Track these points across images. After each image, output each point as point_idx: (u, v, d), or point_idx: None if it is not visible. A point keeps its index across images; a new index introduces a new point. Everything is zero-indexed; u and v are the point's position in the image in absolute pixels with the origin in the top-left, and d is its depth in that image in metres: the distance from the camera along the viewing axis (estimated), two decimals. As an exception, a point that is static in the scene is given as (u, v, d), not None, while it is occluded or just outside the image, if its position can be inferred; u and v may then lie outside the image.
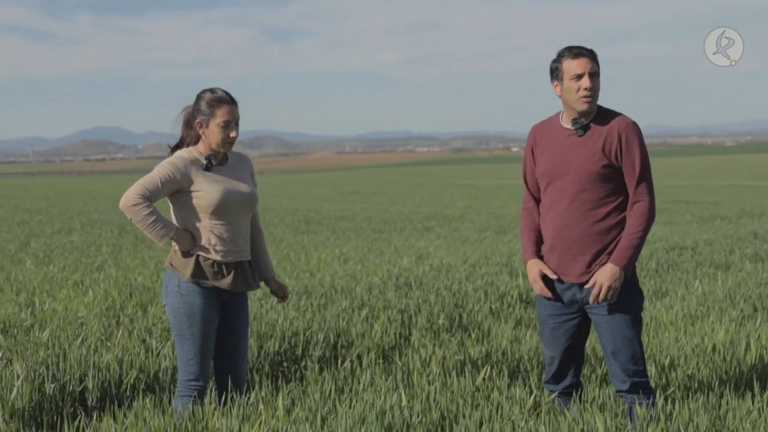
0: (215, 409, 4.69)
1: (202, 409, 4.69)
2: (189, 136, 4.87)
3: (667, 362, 6.14)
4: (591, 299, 4.57)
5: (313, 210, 31.93)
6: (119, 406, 5.41)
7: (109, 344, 6.45)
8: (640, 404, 4.59)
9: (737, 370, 6.01)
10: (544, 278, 4.74)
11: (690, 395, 5.16)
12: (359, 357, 6.70)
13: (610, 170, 4.58)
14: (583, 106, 4.59)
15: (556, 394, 4.90)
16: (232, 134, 4.80)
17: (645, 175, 4.60)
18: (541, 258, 4.79)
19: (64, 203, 38.19)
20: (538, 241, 4.84)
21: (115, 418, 4.95)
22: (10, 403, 5.16)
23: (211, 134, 4.78)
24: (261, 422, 4.40)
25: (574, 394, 4.89)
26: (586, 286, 4.61)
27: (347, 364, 6.27)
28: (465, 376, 5.59)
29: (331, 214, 29.10)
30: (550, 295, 4.70)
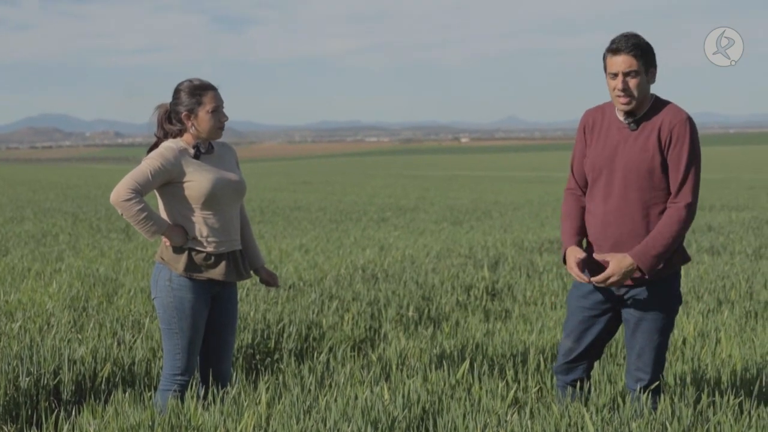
0: (197, 403, 4.62)
1: (183, 404, 4.62)
2: (170, 132, 4.76)
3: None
4: (596, 279, 4.35)
5: (267, 200, 31.74)
6: (95, 400, 5.33)
7: (80, 337, 6.36)
8: (646, 403, 4.49)
9: (710, 363, 6.06)
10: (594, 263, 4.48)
11: (668, 389, 5.19)
12: (331, 349, 6.67)
13: (661, 167, 4.35)
14: (620, 106, 4.38)
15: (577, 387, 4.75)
16: (223, 119, 4.73)
17: (690, 176, 4.35)
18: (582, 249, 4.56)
19: (12, 191, 37.60)
20: (580, 227, 4.59)
21: (93, 413, 4.88)
22: (-16, 398, 5.07)
23: (202, 123, 4.68)
24: (246, 418, 4.35)
25: (580, 387, 4.75)
26: (595, 279, 4.41)
27: (323, 357, 6.24)
28: (444, 370, 5.59)
29: (285, 204, 28.96)
30: (587, 280, 4.41)
